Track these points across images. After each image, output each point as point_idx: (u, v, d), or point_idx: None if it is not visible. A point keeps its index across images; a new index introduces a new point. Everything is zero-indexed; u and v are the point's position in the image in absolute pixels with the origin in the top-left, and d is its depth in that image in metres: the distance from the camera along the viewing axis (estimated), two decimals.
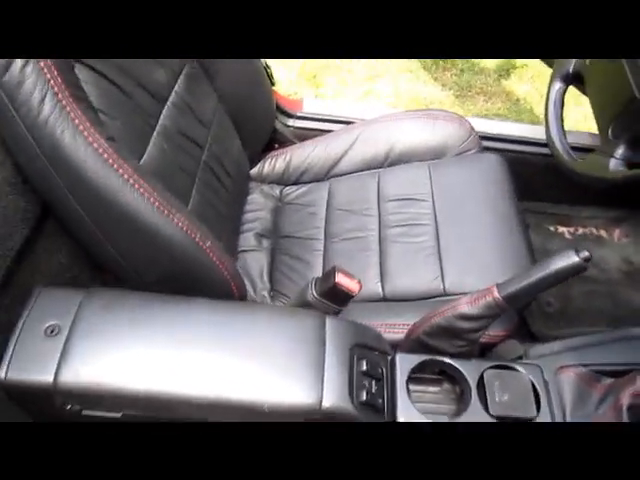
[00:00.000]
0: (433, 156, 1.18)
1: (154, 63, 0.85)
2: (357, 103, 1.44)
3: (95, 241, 0.72)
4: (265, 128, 1.18)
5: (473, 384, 0.73)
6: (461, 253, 1.00)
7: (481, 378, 0.73)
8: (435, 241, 1.03)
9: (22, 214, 0.70)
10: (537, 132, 1.28)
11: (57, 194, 0.68)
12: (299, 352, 0.66)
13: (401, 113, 1.23)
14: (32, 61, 0.61)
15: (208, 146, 0.96)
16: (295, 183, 1.23)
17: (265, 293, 1.06)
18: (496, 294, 0.72)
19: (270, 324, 0.70)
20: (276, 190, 1.23)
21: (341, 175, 1.21)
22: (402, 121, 1.20)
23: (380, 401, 0.69)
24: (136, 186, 0.68)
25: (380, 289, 1.00)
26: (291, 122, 1.32)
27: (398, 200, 1.11)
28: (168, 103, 0.87)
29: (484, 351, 0.89)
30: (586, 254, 0.67)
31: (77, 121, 0.64)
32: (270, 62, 1.37)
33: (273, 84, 1.30)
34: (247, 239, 1.12)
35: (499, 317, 0.74)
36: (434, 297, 0.98)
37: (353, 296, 0.81)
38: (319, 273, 1.06)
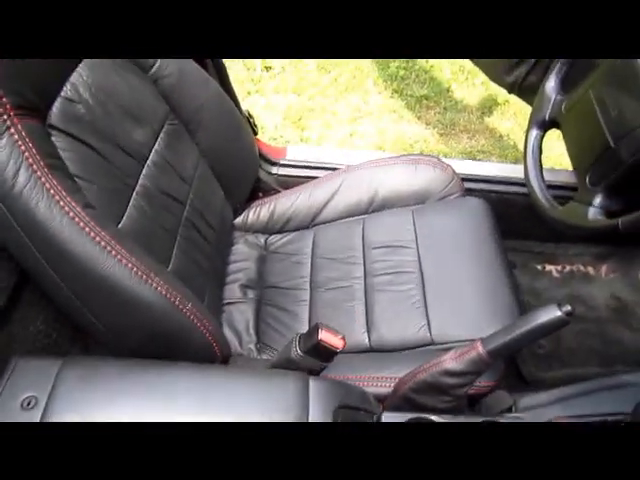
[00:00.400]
0: (416, 201, 1.19)
1: (133, 123, 0.86)
2: (341, 149, 1.46)
3: (73, 307, 0.71)
4: (248, 178, 1.18)
5: None
6: (446, 302, 1.00)
7: None
8: (421, 289, 1.02)
9: None
10: (519, 172, 1.28)
11: (33, 263, 0.67)
12: (281, 420, 0.65)
13: (383, 159, 1.23)
14: (6, 133, 0.61)
15: (189, 202, 0.96)
16: (280, 232, 1.23)
17: (252, 346, 1.05)
18: (480, 349, 0.71)
19: (251, 391, 0.69)
20: (261, 239, 1.23)
21: (325, 222, 1.21)
22: (384, 167, 1.21)
23: None
24: (113, 253, 0.68)
25: (367, 340, 0.99)
26: (275, 170, 1.32)
27: (383, 247, 1.10)
28: (148, 162, 0.87)
29: (473, 402, 0.87)
30: (568, 308, 0.67)
31: (52, 191, 0.64)
32: (256, 109, 1.39)
33: (256, 133, 1.32)
34: (232, 291, 1.11)
35: (485, 372, 0.74)
36: (421, 346, 0.97)
37: (337, 352, 0.80)
38: (305, 324, 1.05)
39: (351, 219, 1.19)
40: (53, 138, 0.70)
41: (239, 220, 1.22)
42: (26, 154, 0.63)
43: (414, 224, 1.13)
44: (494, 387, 0.89)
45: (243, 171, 1.16)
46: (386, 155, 1.34)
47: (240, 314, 1.09)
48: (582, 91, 0.88)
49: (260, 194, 1.27)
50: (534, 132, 0.97)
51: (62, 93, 0.73)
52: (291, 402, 0.67)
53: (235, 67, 2.10)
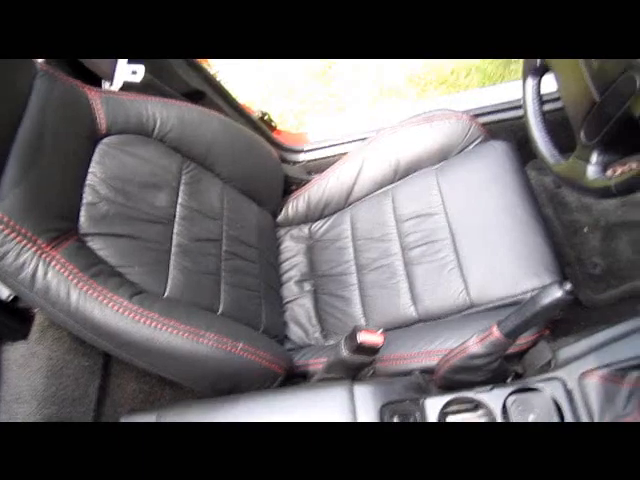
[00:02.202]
0: (439, 158, 1.20)
1: (153, 191, 0.96)
2: (359, 117, 1.46)
3: (151, 370, 0.87)
4: (275, 183, 1.25)
5: (498, 413, 0.80)
6: (480, 262, 1.04)
7: (505, 404, 0.80)
8: (454, 254, 1.07)
9: (89, 371, 0.85)
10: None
11: (108, 349, 0.82)
12: None
13: (399, 124, 1.24)
14: (49, 267, 0.74)
15: (225, 234, 1.07)
16: (320, 217, 1.31)
17: (317, 335, 1.17)
18: (497, 333, 0.77)
19: (305, 405, 0.82)
20: (304, 229, 1.31)
21: (358, 200, 1.26)
22: (401, 132, 1.22)
23: None
24: (165, 328, 0.81)
25: (414, 312, 1.07)
26: (301, 157, 1.38)
27: (413, 218, 1.15)
28: (177, 220, 0.98)
29: (514, 359, 0.94)
30: (568, 287, 0.71)
31: (101, 297, 0.77)
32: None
33: (274, 128, 1.37)
34: (289, 289, 1.23)
35: (509, 349, 0.80)
36: (463, 310, 1.03)
37: (380, 348, 0.90)
38: (359, 308, 1.14)
39: (380, 192, 1.24)
40: (89, 244, 0.83)
41: (281, 217, 1.31)
42: (70, 277, 0.76)
43: (439, 186, 1.15)
44: (536, 340, 0.94)
45: (268, 179, 1.23)
46: (405, 112, 1.35)
47: (301, 308, 1.21)
48: None
49: (293, 187, 1.34)
50: (530, 81, 0.94)
51: (83, 201, 0.85)
52: (340, 409, 0.80)
53: None
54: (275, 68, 2.03)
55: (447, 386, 0.89)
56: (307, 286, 1.24)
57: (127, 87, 1.00)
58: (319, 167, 1.37)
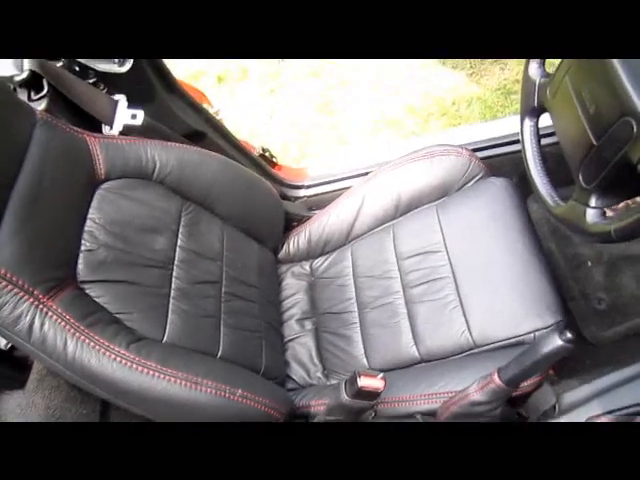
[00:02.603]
0: (439, 195, 1.20)
1: (152, 235, 0.96)
2: (359, 153, 1.47)
3: (148, 417, 0.86)
4: (276, 220, 1.25)
5: None
6: (482, 302, 1.03)
7: None
8: (456, 294, 1.06)
9: (87, 419, 0.85)
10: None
11: (105, 396, 0.82)
12: None
13: (400, 160, 1.24)
14: (46, 318, 0.74)
15: (224, 275, 1.06)
16: (322, 254, 1.30)
17: (319, 374, 1.16)
18: (497, 381, 0.76)
19: None
20: (306, 266, 1.31)
21: (359, 236, 1.26)
22: (401, 168, 1.22)
23: None
24: (162, 376, 0.80)
25: (416, 353, 1.06)
26: (302, 193, 1.39)
27: (414, 256, 1.14)
28: (176, 263, 0.98)
29: (518, 402, 0.92)
30: (568, 336, 0.70)
31: (97, 346, 0.77)
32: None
33: (275, 164, 1.38)
34: (290, 327, 1.22)
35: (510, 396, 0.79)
36: (466, 351, 1.02)
37: (380, 392, 0.89)
38: (360, 347, 1.13)
39: (381, 228, 1.24)
40: (87, 291, 0.83)
41: (282, 254, 1.31)
42: (67, 327, 0.75)
43: (439, 223, 1.15)
44: (540, 382, 0.93)
45: (269, 218, 1.23)
46: (406, 147, 1.35)
47: (302, 347, 1.20)
48: (559, 77, 0.84)
49: (294, 223, 1.34)
50: (527, 122, 0.94)
51: (82, 247, 0.85)
52: None
53: None
54: (278, 100, 2.06)
55: None
56: (308, 324, 1.23)
57: (127, 130, 1.01)
58: (320, 203, 1.38)
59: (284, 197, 1.37)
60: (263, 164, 1.32)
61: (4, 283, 0.71)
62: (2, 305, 0.71)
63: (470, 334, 1.01)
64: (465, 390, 0.81)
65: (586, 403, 0.83)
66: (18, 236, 0.74)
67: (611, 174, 0.74)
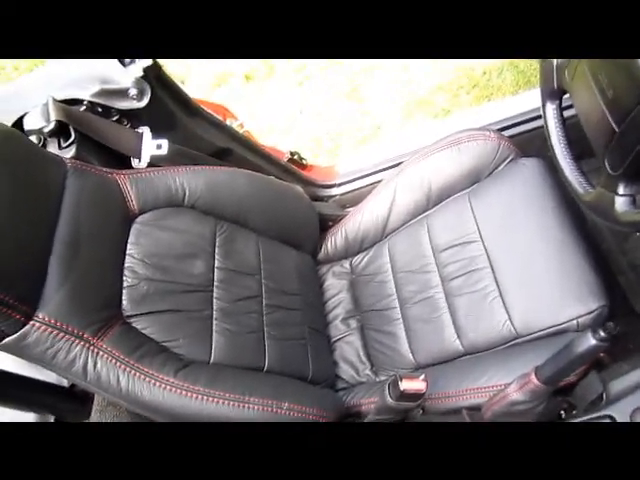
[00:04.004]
0: (471, 182, 1.18)
1: (190, 260, 1.00)
2: (388, 144, 1.45)
3: None
4: (310, 224, 1.26)
5: None
6: (521, 291, 1.01)
7: None
8: (494, 284, 1.05)
9: None
10: None
11: (162, 421, 0.87)
12: None
13: (427, 149, 1.23)
14: (98, 357, 0.80)
15: (264, 288, 1.09)
16: (360, 251, 1.32)
17: (368, 372, 1.18)
18: (535, 380, 0.76)
19: None
20: (346, 265, 1.33)
21: (395, 230, 1.26)
22: (429, 158, 1.21)
23: None
24: (210, 399, 0.84)
25: (460, 346, 1.06)
26: (335, 191, 1.40)
27: (450, 248, 1.14)
28: (215, 284, 1.02)
29: (565, 392, 0.91)
30: (602, 334, 0.69)
31: (147, 378, 0.82)
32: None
33: (305, 166, 1.39)
34: (336, 327, 1.25)
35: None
36: (509, 341, 1.01)
37: (424, 394, 0.90)
38: (405, 343, 1.14)
39: (415, 221, 1.23)
40: (134, 324, 0.88)
41: (320, 255, 1.33)
42: (117, 364, 0.81)
43: (473, 212, 1.13)
44: (587, 370, 0.91)
45: (303, 223, 1.24)
46: (436, 130, 1.34)
47: (349, 346, 1.22)
48: (576, 59, 0.80)
49: (330, 223, 1.35)
50: (549, 106, 0.91)
51: (124, 284, 0.90)
52: None
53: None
54: (306, 93, 2.05)
55: None
56: (353, 323, 1.25)
57: (155, 160, 1.05)
58: (354, 199, 1.38)
59: (317, 198, 1.38)
60: (293, 169, 1.34)
61: (56, 332, 0.76)
62: (57, 351, 0.77)
63: (512, 324, 1.01)
64: (504, 390, 0.81)
65: (635, 391, 0.81)
66: (64, 285, 0.79)
67: (637, 161, 0.71)
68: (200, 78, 2.22)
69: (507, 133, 1.27)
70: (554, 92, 0.90)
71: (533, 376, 0.77)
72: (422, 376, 0.90)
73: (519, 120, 1.28)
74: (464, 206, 1.15)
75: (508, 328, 1.01)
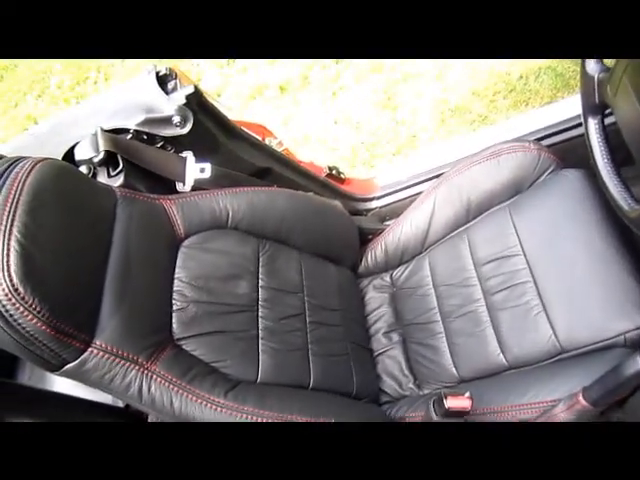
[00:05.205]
0: (511, 194, 1.18)
1: (234, 281, 1.02)
2: (426, 156, 1.44)
3: None
4: (350, 239, 1.28)
5: None
6: (566, 305, 1.00)
7: None
8: (538, 298, 1.04)
9: None
10: None
11: None
12: None
13: (466, 160, 1.23)
14: (153, 379, 0.83)
15: (307, 305, 1.11)
16: (400, 264, 1.32)
17: (411, 385, 1.19)
18: (583, 402, 0.76)
19: None
20: (386, 278, 1.34)
21: (434, 243, 1.26)
22: (468, 170, 1.21)
23: None
24: (259, 420, 0.87)
25: (504, 360, 1.06)
26: (374, 204, 1.41)
27: (492, 261, 1.13)
28: (260, 303, 1.04)
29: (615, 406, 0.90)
30: None
31: (199, 400, 0.85)
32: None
33: (343, 180, 1.41)
34: (378, 341, 1.26)
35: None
36: (554, 357, 1.00)
37: (469, 411, 0.91)
38: (448, 357, 1.15)
39: (455, 234, 1.23)
40: (184, 347, 0.91)
41: (361, 269, 1.34)
42: (170, 386, 0.84)
43: (513, 224, 1.13)
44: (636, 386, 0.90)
45: (343, 238, 1.26)
46: (472, 140, 1.33)
47: (392, 360, 1.23)
48: (617, 74, 0.79)
49: (369, 236, 1.36)
50: (591, 121, 0.90)
51: (174, 307, 0.93)
52: None
53: None
54: (340, 103, 2.07)
55: None
56: (395, 336, 1.26)
57: (199, 184, 1.08)
58: (392, 212, 1.39)
59: (356, 212, 1.40)
60: (331, 184, 1.35)
61: (112, 357, 0.80)
62: (114, 376, 0.80)
63: (557, 339, 1.00)
64: (552, 410, 0.81)
65: None
66: (118, 311, 0.83)
67: None
68: (235, 90, 2.26)
69: (547, 142, 1.26)
70: (596, 107, 0.89)
71: (581, 397, 0.76)
72: (467, 393, 0.91)
73: (559, 129, 1.26)
74: (504, 219, 1.15)
75: (553, 343, 1.00)
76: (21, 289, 0.67)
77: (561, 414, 0.79)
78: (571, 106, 1.28)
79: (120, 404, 0.93)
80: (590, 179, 1.09)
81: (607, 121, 0.95)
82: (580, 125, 1.25)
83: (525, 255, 1.09)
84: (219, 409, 0.85)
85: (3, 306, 0.67)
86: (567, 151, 1.23)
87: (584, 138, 1.24)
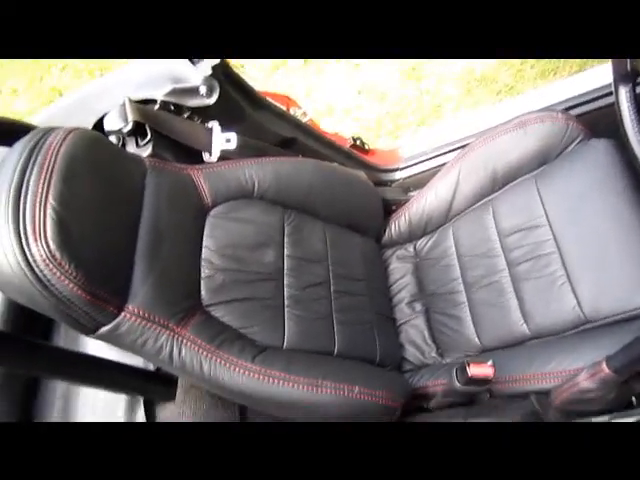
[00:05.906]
0: (537, 164, 1.17)
1: (261, 250, 1.04)
2: (451, 124, 1.43)
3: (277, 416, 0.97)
4: (375, 210, 1.28)
5: None
6: (592, 275, 1.00)
7: None
8: (563, 269, 1.04)
9: (228, 419, 0.97)
10: None
11: (240, 403, 0.93)
12: None
13: (492, 131, 1.21)
14: (188, 344, 0.85)
15: (332, 274, 1.13)
16: (424, 234, 1.33)
17: (434, 354, 1.21)
18: (606, 370, 0.76)
19: None
20: (410, 248, 1.34)
21: (459, 214, 1.26)
22: (494, 140, 1.20)
23: None
24: (286, 384, 0.89)
25: (527, 330, 1.07)
26: (398, 175, 1.41)
27: (516, 232, 1.13)
28: (285, 272, 1.06)
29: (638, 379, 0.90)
30: None
31: (227, 364, 0.87)
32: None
33: (367, 151, 1.40)
34: (401, 311, 1.27)
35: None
36: (578, 327, 1.01)
37: (491, 379, 0.92)
38: (470, 327, 1.16)
39: (480, 204, 1.23)
40: (212, 313, 0.93)
41: (385, 239, 1.35)
42: (200, 350, 0.86)
43: (540, 196, 1.12)
44: None
45: (368, 209, 1.27)
46: (499, 110, 1.32)
47: (415, 329, 1.24)
48: None
49: (393, 207, 1.37)
50: (622, 90, 0.88)
51: (202, 275, 0.95)
52: None
53: None
54: (364, 73, 2.05)
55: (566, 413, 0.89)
56: (418, 306, 1.27)
57: (225, 154, 1.09)
58: (417, 183, 1.39)
59: (380, 183, 1.40)
60: (355, 155, 1.35)
61: (144, 322, 0.82)
62: (146, 340, 0.83)
63: (581, 309, 1.00)
64: (575, 378, 0.81)
65: None
66: (149, 278, 0.85)
67: None
68: (259, 61, 2.25)
69: (575, 112, 1.24)
70: (627, 75, 0.88)
71: (604, 365, 0.77)
72: (490, 362, 0.92)
73: (589, 98, 1.24)
74: (531, 189, 1.14)
75: (577, 313, 1.00)
76: (58, 255, 0.70)
77: (584, 382, 0.79)
78: (601, 75, 1.26)
79: (151, 367, 0.96)
80: (619, 149, 1.08)
81: (639, 90, 0.94)
82: (609, 94, 1.23)
83: (551, 226, 1.09)
84: (247, 373, 0.88)
85: (41, 271, 0.69)
86: (596, 121, 1.21)
87: (613, 108, 1.23)
